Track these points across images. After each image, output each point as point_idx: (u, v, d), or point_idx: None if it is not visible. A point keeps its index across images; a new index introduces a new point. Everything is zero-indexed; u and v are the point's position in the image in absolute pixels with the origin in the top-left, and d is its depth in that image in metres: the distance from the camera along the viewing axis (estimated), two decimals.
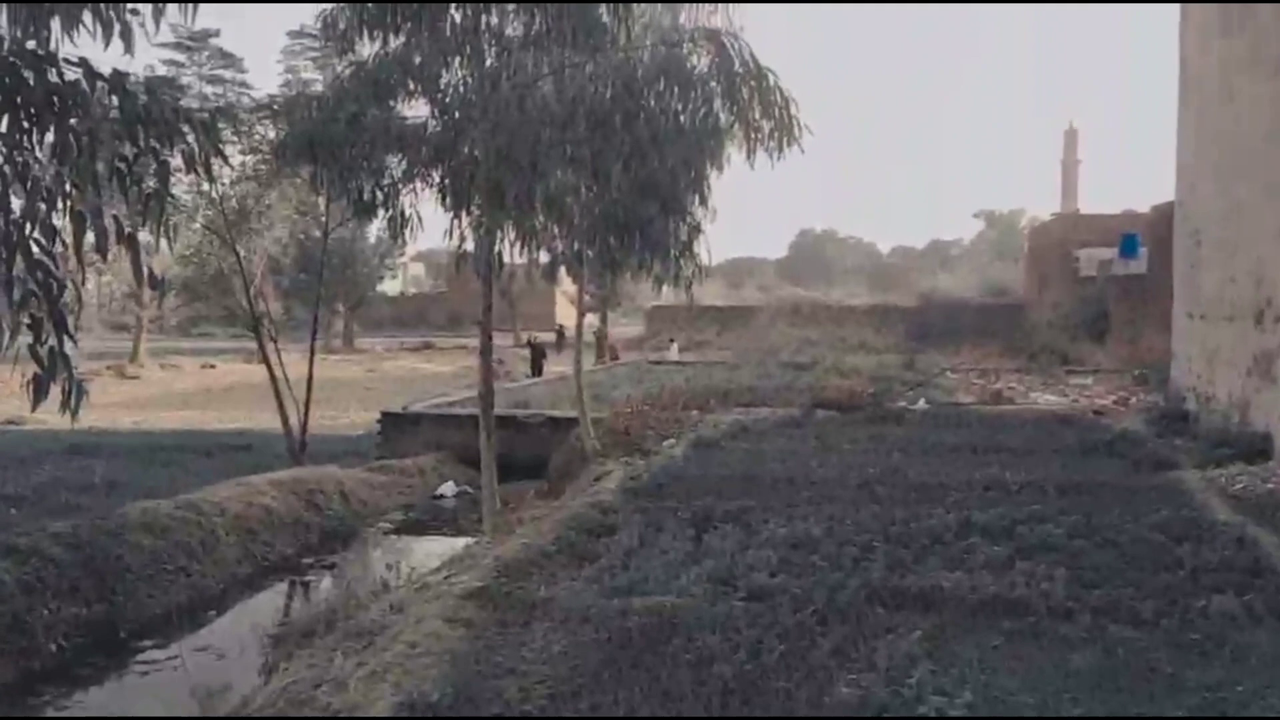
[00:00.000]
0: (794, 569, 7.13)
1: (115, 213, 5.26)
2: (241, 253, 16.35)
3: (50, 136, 4.90)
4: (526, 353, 34.49)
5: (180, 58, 16.30)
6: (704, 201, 10.48)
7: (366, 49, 9.54)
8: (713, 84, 9.17)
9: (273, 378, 15.78)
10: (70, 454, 16.25)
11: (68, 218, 4.87)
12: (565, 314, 51.76)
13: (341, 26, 9.34)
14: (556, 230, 10.34)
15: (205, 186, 15.21)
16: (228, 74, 16.27)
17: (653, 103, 9.04)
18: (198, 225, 16.90)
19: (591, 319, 52.79)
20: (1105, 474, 10.86)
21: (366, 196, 10.12)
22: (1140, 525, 8.20)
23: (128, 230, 5.10)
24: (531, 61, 9.26)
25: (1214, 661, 5.46)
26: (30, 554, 9.28)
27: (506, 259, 10.85)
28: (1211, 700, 4.95)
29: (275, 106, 14.56)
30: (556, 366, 30.44)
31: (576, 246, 11.37)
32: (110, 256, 5.20)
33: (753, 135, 9.12)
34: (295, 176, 14.34)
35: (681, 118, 9.17)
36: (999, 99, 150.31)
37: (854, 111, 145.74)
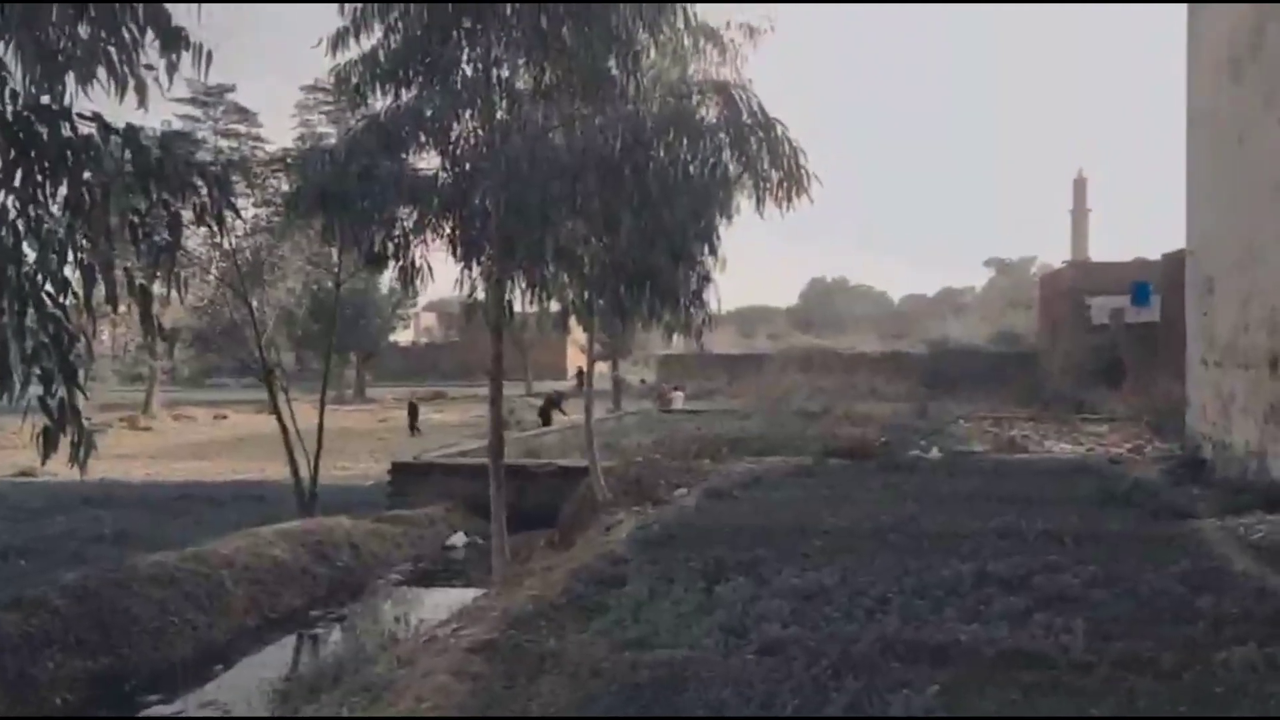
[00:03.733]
0: (807, 620, 7.01)
1: (127, 265, 5.30)
2: (254, 304, 16.46)
3: (63, 189, 4.96)
4: (539, 401, 34.58)
5: (196, 112, 16.60)
6: (713, 251, 10.52)
7: (379, 103, 9.68)
8: (721, 135, 9.25)
9: (283, 428, 15.79)
10: (82, 505, 16.26)
11: (79, 270, 4.90)
12: (576, 362, 51.85)
13: (354, 80, 9.48)
14: (567, 279, 10.37)
15: (219, 238, 15.37)
16: (242, 128, 16.53)
17: (662, 153, 9.12)
18: (211, 277, 17.04)
19: (602, 368, 52.76)
20: (1122, 523, 10.70)
21: (378, 248, 10.20)
22: (1159, 575, 8.05)
23: (139, 283, 5.13)
24: (541, 113, 9.38)
25: (1235, 713, 5.33)
26: (37, 606, 9.25)
27: (517, 308, 10.91)
28: None
29: (289, 160, 14.74)
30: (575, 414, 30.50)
31: (587, 296, 11.42)
32: (121, 308, 5.23)
33: (761, 185, 9.17)
34: (308, 228, 14.48)
35: (690, 168, 9.23)
36: (1009, 147, 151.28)
37: (864, 160, 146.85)
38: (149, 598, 10.14)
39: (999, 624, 6.83)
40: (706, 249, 10.49)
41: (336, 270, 17.02)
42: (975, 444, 19.19)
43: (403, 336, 64.73)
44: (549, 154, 8.73)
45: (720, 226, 10.53)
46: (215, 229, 5.99)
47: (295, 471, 15.75)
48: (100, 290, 4.92)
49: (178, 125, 15.91)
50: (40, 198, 4.92)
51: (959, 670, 6.05)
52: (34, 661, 8.68)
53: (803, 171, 9.07)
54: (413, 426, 32.33)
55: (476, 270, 10.49)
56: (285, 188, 13.99)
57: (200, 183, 5.37)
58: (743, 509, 12.19)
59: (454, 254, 10.36)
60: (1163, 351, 25.02)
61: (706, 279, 11.89)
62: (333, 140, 14.87)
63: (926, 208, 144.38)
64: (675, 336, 14.64)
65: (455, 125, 9.49)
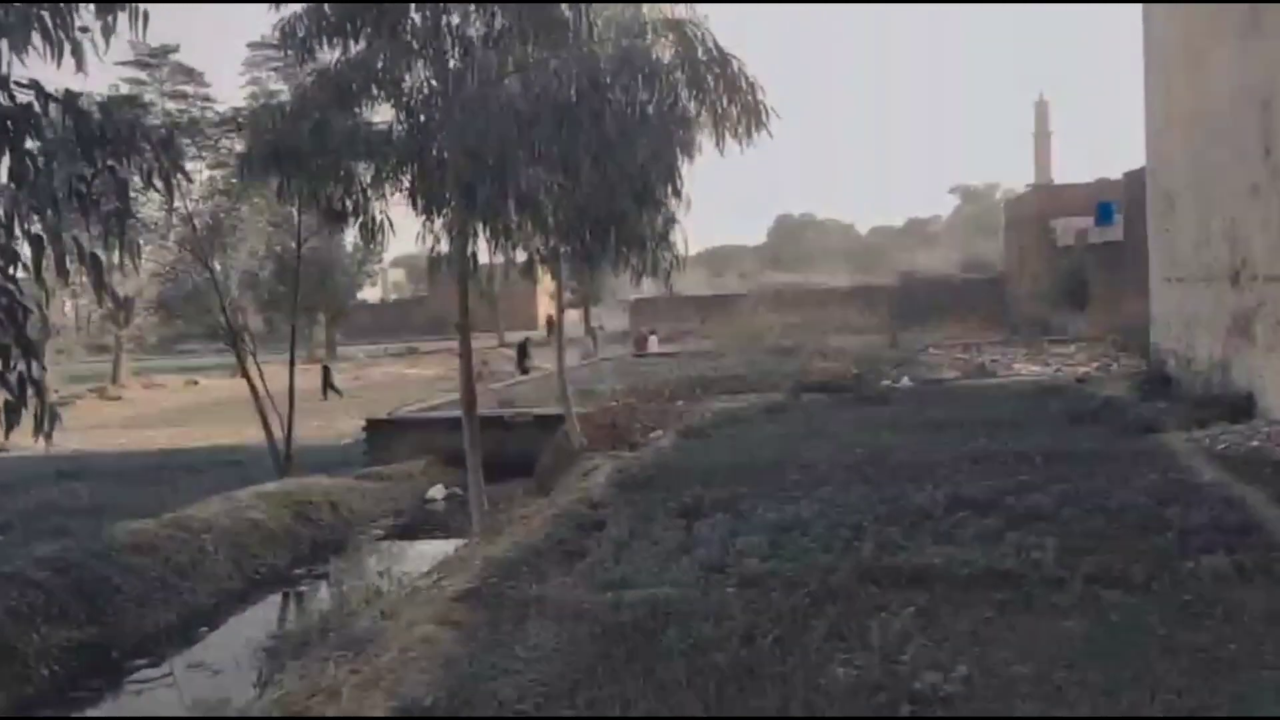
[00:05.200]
0: (785, 553, 7.12)
1: (74, 233, 5.18)
2: (216, 268, 16.22)
3: (4, 160, 4.83)
4: (512, 352, 34.46)
5: (142, 75, 16.12)
6: (677, 192, 10.45)
7: (328, 56, 9.46)
8: (677, 73, 9.13)
9: (254, 391, 15.69)
10: (57, 478, 16.13)
11: (27, 241, 4.80)
12: (547, 310, 51.62)
13: (301, 34, 9.25)
14: (530, 228, 10.28)
15: (176, 203, 15.08)
16: (190, 89, 16.08)
17: (619, 95, 9.00)
18: (170, 243, 16.74)
19: (573, 315, 52.65)
20: (1091, 441, 10.91)
21: (336, 204, 10.06)
22: (1128, 490, 8.23)
23: (89, 251, 5.03)
24: (495, 60, 9.20)
25: (1206, 622, 5.49)
26: (16, 580, 9.20)
27: (483, 259, 10.83)
28: (1206, 660, 4.97)
29: (239, 119, 14.43)
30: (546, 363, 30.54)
31: (551, 243, 11.34)
32: (72, 278, 5.13)
33: (720, 122, 9.08)
34: (263, 188, 14.23)
35: (648, 109, 9.13)
36: (969, 73, 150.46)
37: (825, 92, 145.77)
38: (131, 566, 10.12)
39: (972, 545, 6.98)
40: (670, 190, 10.42)
41: (298, 230, 16.77)
42: (945, 371, 19.41)
43: (371, 294, 64.14)
44: (504, 101, 8.59)
45: (682, 167, 10.44)
46: (164, 193, 5.87)
47: (269, 434, 15.68)
48: (50, 261, 4.83)
49: (125, 90, 15.46)
50: None
51: (934, 593, 6.18)
52: (19, 635, 8.66)
53: (761, 106, 9.00)
54: (326, 389, 30.07)
55: (439, 223, 10.38)
56: (239, 148, 13.72)
57: (146, 146, 5.25)
58: (719, 447, 12.31)
59: (414, 207, 10.24)
60: (1128, 270, 25.24)
61: (672, 220, 11.84)
62: (285, 97, 14.56)
63: (890, 138, 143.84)
64: (644, 280, 14.59)
65: (407, 76, 9.31)
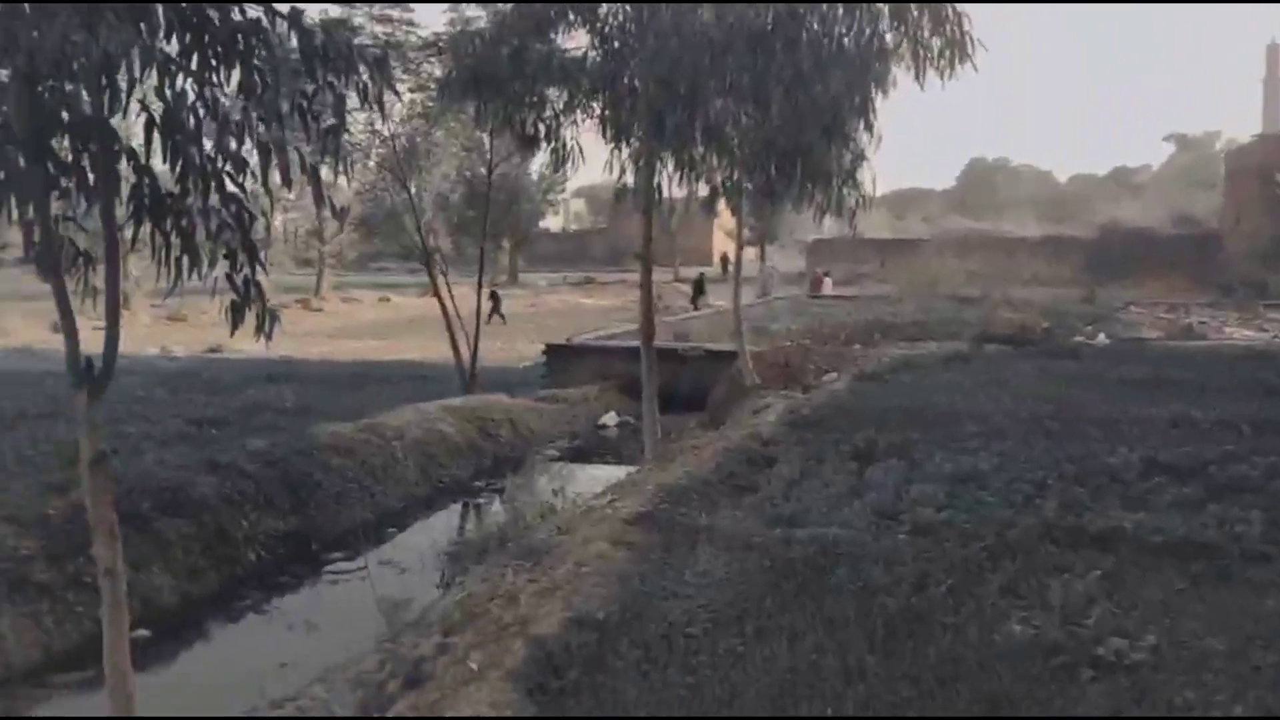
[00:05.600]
0: (961, 504, 6.96)
1: (298, 146, 5.51)
2: (412, 189, 16.93)
3: (235, 73, 5.16)
4: (686, 287, 34.65)
5: None
6: (869, 127, 10.09)
7: None
8: (878, 3, 8.78)
9: (444, 311, 16.41)
10: (267, 380, 17.43)
11: (256, 151, 5.14)
12: (723, 248, 51.41)
13: None
14: (716, 161, 10.22)
15: (378, 125, 15.75)
16: (395, 13, 16.65)
17: (815, 25, 8.74)
18: (372, 163, 17.55)
19: (750, 253, 52.22)
20: None
21: (530, 129, 10.28)
22: None
23: (310, 163, 5.34)
24: None
25: None
26: (231, 470, 10.04)
27: (665, 192, 10.87)
28: None
29: (440, 44, 14.86)
30: (720, 300, 30.58)
31: (736, 176, 11.24)
32: (294, 189, 5.46)
33: (922, 54, 8.70)
34: (459, 113, 14.65)
35: (845, 40, 8.82)
36: (1192, 11, 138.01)
37: (1030, 29, 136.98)
38: (329, 465, 10.88)
39: (1168, 513, 6.61)
40: (861, 125, 10.10)
41: (489, 156, 17.25)
42: (1146, 331, 18.22)
43: (553, 222, 65.50)
44: (697, 29, 8.50)
45: (876, 100, 10.07)
46: (379, 110, 6.15)
47: (457, 352, 16.40)
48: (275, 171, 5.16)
49: (335, 12, 16.16)
50: (215, 81, 5.13)
51: (1122, 558, 5.91)
52: (231, 520, 9.49)
53: (966, 37, 8.55)
54: (494, 313, 30.98)
55: (625, 152, 10.47)
56: (438, 73, 14.16)
57: (363, 66, 5.49)
58: (894, 393, 12.04)
59: (603, 135, 10.35)
60: None
61: (861, 158, 11.49)
62: (483, 24, 14.85)
63: (1099, 80, 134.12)
64: (826, 219, 14.30)
65: (603, 4, 9.34)
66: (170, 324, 29.64)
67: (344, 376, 18.46)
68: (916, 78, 8.76)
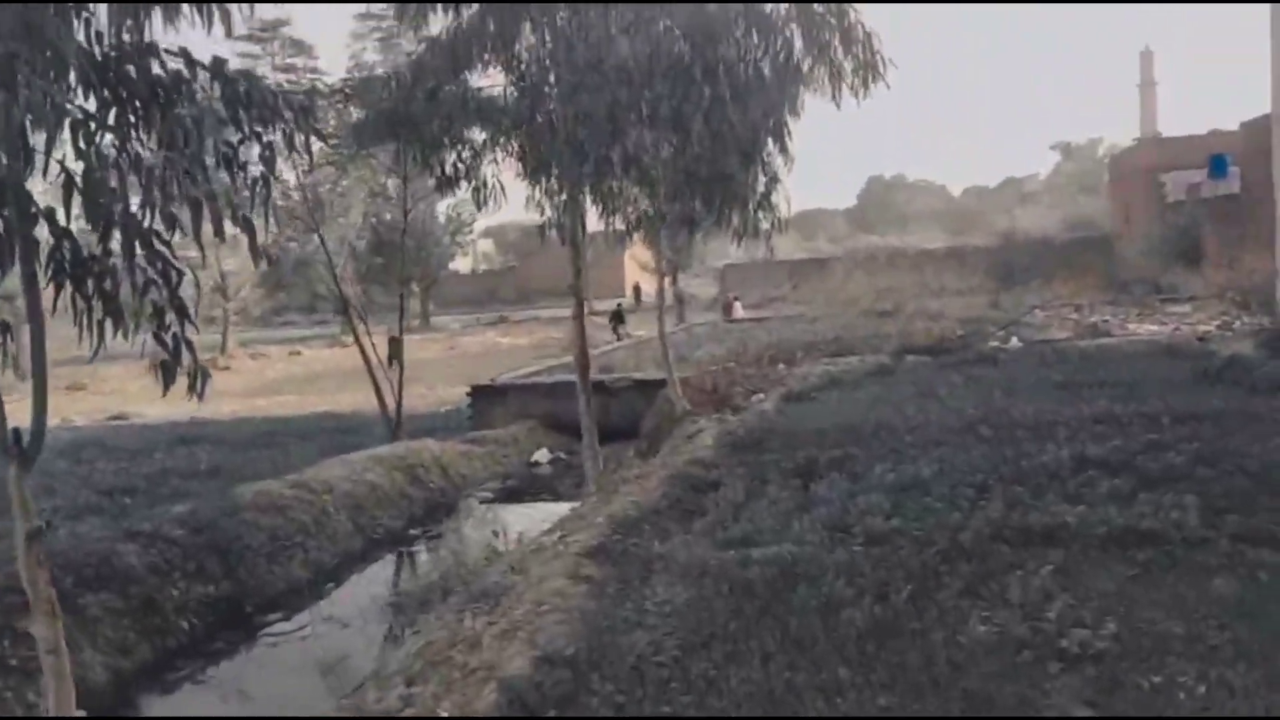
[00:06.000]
0: (909, 512, 7.03)
1: (231, 197, 5.34)
2: (323, 237, 16.64)
3: (156, 126, 5.00)
4: (602, 320, 34.72)
5: (255, 49, 16.54)
6: (785, 150, 10.30)
7: (438, 24, 9.57)
8: (792, 25, 8.97)
9: (365, 358, 16.12)
10: (176, 444, 16.81)
11: (186, 204, 4.96)
12: (634, 278, 51.66)
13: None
14: (638, 191, 10.29)
15: (285, 175, 15.47)
16: (299, 61, 16.48)
17: (732, 51, 8.88)
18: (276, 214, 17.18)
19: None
20: (1220, 401, 10.49)
21: (449, 170, 10.20)
22: (1268, 449, 7.90)
23: (241, 214, 5.19)
24: (606, 21, 9.18)
25: None
26: (155, 538, 9.63)
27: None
28: None
29: (347, 90, 14.72)
30: (638, 330, 30.69)
31: (656, 206, 11.34)
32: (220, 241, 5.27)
33: (834, 75, 8.90)
34: (370, 158, 14.48)
35: (763, 64, 8.99)
36: (1066, 24, 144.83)
37: (913, 48, 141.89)
38: (259, 524, 10.52)
39: (1106, 505, 6.79)
40: (777, 148, 10.28)
41: (403, 199, 17.09)
42: (1055, 332, 18.86)
43: (462, 264, 65.05)
44: (617, 60, 8.56)
45: (789, 123, 10.29)
46: (306, 157, 6.04)
47: (381, 400, 16.11)
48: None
49: (236, 63, 15.88)
50: (135, 135, 4.97)
51: (1071, 551, 6.04)
52: (160, 589, 9.09)
53: (878, 57, 8.79)
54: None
55: (541, 188, 10.49)
56: (348, 119, 13.98)
57: (288, 113, 5.38)
58: (824, 410, 12.18)
59: (524, 172, 10.33)
60: (1247, 225, 24.14)
61: (775, 180, 11.73)
62: (379, 70, 14.73)
63: (982, 94, 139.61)
64: (737, 244, 14.54)
65: (517, 41, 9.36)
66: (70, 393, 28.43)
67: (257, 435, 17.93)
68: (833, 98, 8.96)
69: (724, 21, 8.94)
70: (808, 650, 4.99)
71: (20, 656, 7.83)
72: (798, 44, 9.03)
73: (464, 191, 10.25)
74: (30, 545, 5.04)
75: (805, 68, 9.27)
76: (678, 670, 4.91)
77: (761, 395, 14.20)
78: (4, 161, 4.63)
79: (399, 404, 16.31)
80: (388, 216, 19.00)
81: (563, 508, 12.26)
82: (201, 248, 5.03)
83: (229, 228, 4.98)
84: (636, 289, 44.25)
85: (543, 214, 10.49)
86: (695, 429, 12.70)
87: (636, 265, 48.74)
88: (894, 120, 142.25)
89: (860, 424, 10.78)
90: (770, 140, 10.06)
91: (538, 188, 10.54)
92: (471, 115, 9.58)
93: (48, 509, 11.48)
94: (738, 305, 36.44)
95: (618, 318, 32.29)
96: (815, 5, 8.71)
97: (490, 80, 9.88)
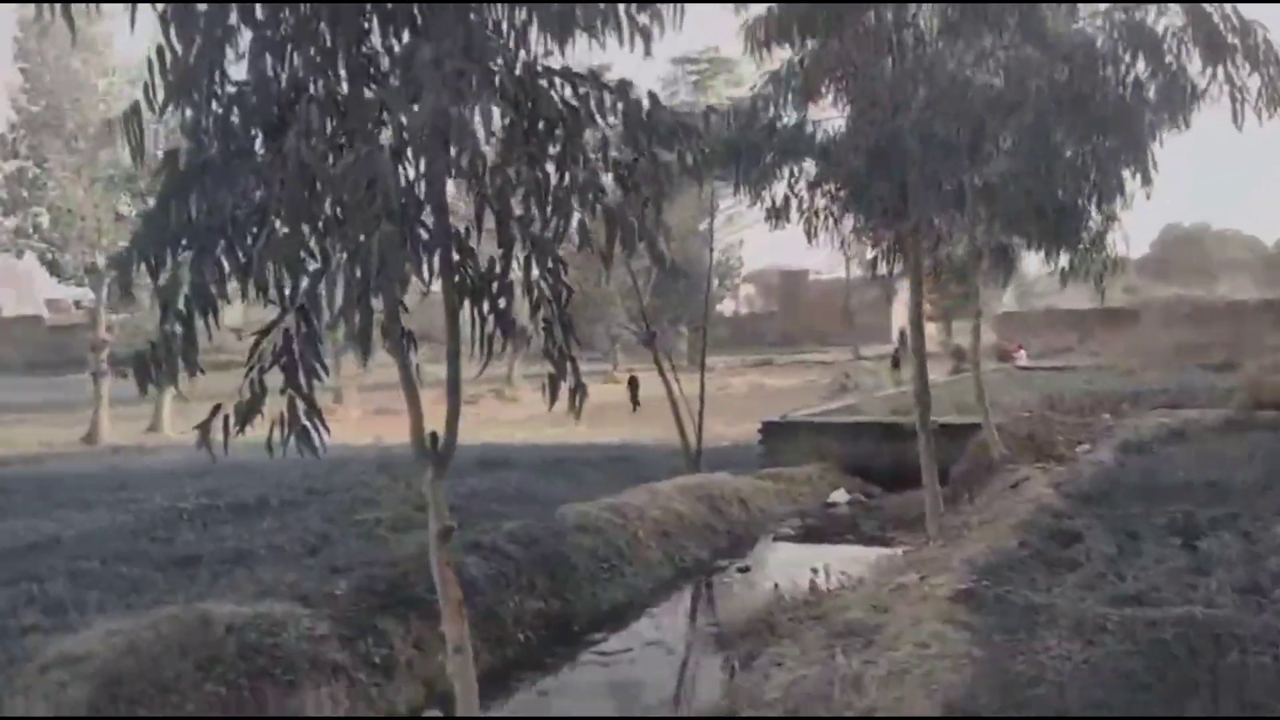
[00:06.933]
0: None
1: (633, 216, 5.42)
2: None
3: (554, 147, 5.15)
4: (873, 365, 33.90)
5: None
6: (1147, 179, 9.45)
7: (784, 54, 9.59)
8: (1185, 44, 8.26)
9: (668, 388, 16.51)
10: (479, 467, 17.74)
11: (602, 220, 5.07)
12: (899, 324, 50.04)
13: (761, 35, 9.43)
14: (985, 223, 9.83)
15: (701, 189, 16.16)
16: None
17: (1111, 74, 8.29)
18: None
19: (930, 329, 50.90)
20: None
21: (779, 201, 10.18)
22: None
23: (648, 229, 5.25)
24: (958, 48, 8.86)
25: None
26: (493, 551, 10.07)
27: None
28: None
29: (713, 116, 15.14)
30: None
31: (989, 242, 10.81)
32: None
33: (1239, 96, 8.07)
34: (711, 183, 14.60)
35: (1147, 89, 8.32)
36: None
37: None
38: (581, 545, 10.79)
39: None
40: (1139, 178, 9.47)
41: (710, 237, 17.30)
42: None
43: (726, 307, 65.69)
44: (984, 88, 8.18)
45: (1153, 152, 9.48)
46: (695, 180, 6.12)
47: (682, 430, 16.40)
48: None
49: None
50: (539, 156, 5.13)
51: None
52: (499, 601, 9.46)
53: None
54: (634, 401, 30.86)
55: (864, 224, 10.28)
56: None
57: (683, 136, 5.42)
58: (1171, 465, 11.07)
59: (857, 207, 10.14)
60: None
61: (1112, 218, 10.93)
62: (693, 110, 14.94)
63: None
64: (1061, 285, 13.72)
65: (873, 66, 9.19)
66: (379, 416, 30.90)
67: (551, 461, 18.55)
68: (1234, 120, 8.12)
69: (1106, 43, 8.35)
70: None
71: (381, 655, 8.39)
72: (1191, 63, 8.30)
73: (795, 223, 10.17)
74: (441, 544, 5.30)
75: (1199, 86, 8.47)
76: None
77: (1087, 446, 13.15)
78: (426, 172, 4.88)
79: (699, 436, 16.50)
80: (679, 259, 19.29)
81: (871, 552, 11.85)
82: (608, 263, 5.09)
83: None
84: (903, 335, 42.89)
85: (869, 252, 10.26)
86: (1018, 477, 11.90)
87: (903, 310, 47.18)
88: (1191, 165, 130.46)
89: (1223, 481, 9.69)
90: (1135, 169, 9.29)
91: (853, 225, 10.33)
92: (808, 145, 9.50)
93: (372, 519, 12.49)
94: (1022, 353, 34.45)
95: (895, 363, 31.42)
96: (1215, 21, 7.95)
97: (827, 114, 9.79)
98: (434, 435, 5.25)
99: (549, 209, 5.07)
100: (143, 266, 4.25)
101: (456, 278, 5.19)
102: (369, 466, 16.83)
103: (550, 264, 5.23)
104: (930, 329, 50.75)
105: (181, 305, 4.30)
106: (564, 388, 5.25)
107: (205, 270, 4.31)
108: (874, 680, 5.34)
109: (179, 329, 4.25)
